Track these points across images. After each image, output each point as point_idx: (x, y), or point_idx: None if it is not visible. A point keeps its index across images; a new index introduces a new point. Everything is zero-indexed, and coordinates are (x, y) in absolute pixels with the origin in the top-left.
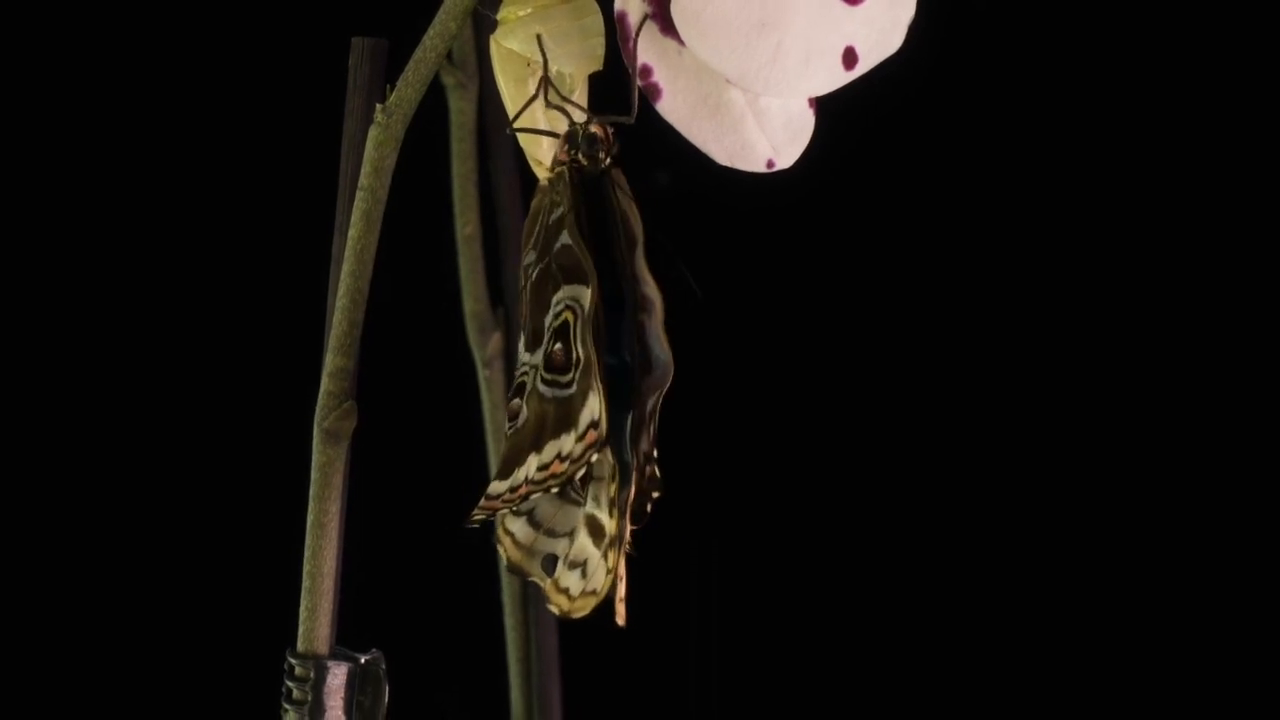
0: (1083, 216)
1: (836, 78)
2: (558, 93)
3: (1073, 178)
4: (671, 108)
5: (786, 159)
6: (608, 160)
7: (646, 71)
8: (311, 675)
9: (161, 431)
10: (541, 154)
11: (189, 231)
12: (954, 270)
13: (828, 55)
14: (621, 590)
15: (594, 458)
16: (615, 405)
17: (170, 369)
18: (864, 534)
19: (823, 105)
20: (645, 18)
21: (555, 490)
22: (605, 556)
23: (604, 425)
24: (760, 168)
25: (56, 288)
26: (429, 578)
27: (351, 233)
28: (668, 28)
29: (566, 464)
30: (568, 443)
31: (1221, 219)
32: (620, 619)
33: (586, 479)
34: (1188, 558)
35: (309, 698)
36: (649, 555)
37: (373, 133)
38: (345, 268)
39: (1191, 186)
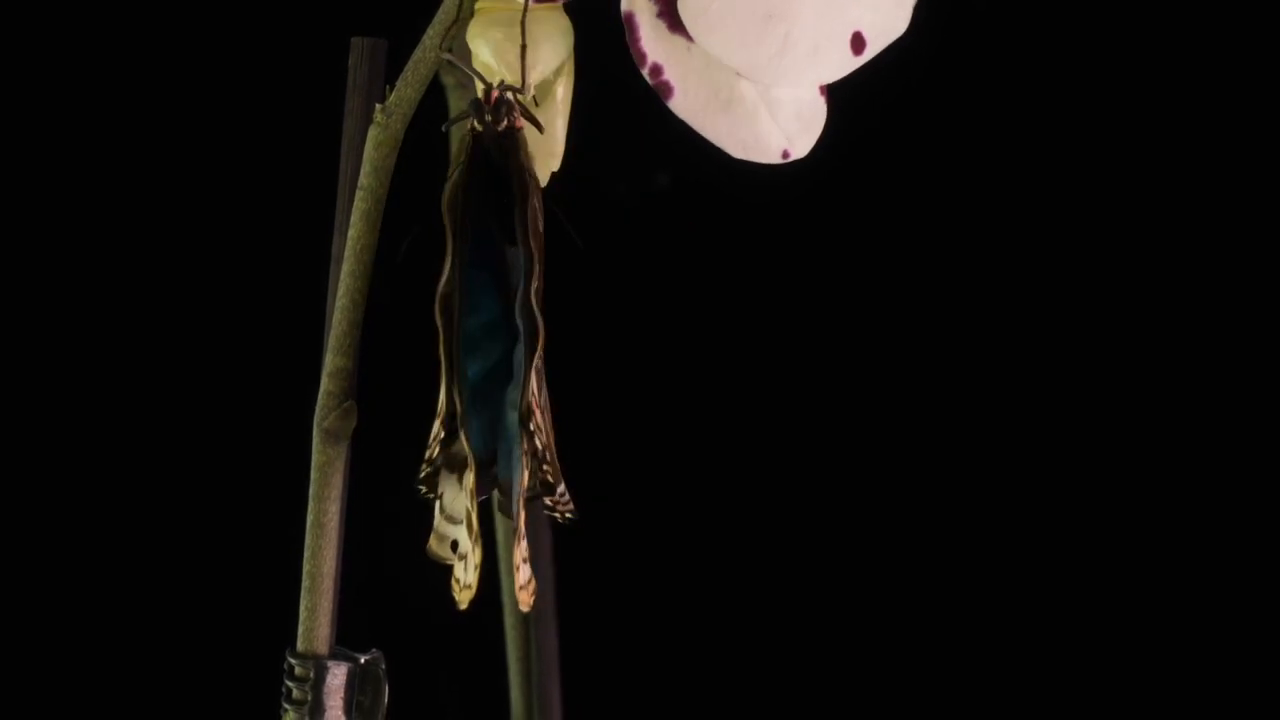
0: (1089, 211)
1: (846, 63)
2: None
3: (1079, 170)
4: (684, 105)
5: (801, 148)
6: (505, 124)
7: (657, 70)
8: (311, 675)
9: (162, 432)
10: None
11: (189, 231)
12: (957, 267)
13: (835, 41)
14: (521, 578)
15: (441, 436)
16: (490, 380)
17: (171, 369)
18: (871, 534)
19: (831, 96)
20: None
21: (426, 473)
22: (474, 550)
23: (441, 404)
24: (775, 159)
25: (57, 287)
26: (429, 578)
27: (351, 233)
28: (676, 25)
29: (430, 448)
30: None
31: (1220, 211)
32: (524, 605)
33: (459, 467)
34: (1185, 557)
35: (309, 698)
36: (648, 555)
37: (373, 133)
38: (345, 268)
39: (1193, 177)
